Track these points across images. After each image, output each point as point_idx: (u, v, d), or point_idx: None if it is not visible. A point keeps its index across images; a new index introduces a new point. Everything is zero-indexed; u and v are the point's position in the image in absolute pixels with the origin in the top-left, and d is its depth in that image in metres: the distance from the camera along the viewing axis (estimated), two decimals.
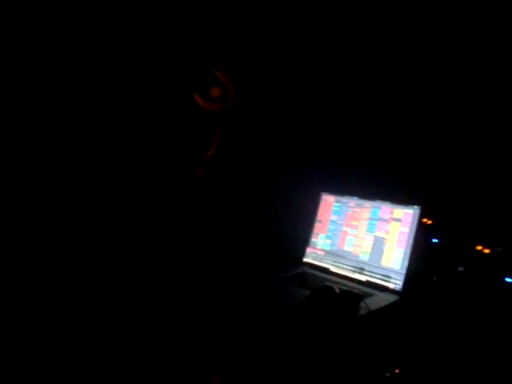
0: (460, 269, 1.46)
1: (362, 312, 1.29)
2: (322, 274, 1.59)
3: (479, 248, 1.54)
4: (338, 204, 1.68)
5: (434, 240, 1.59)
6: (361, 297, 1.34)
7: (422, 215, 1.44)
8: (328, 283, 1.41)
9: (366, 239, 1.55)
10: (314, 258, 1.69)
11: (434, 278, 1.44)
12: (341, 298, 1.30)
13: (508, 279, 1.35)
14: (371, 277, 1.49)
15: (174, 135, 0.76)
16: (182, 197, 0.81)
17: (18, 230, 0.62)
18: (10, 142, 1.00)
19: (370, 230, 1.55)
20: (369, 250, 1.53)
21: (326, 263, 1.63)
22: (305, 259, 1.71)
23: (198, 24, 0.77)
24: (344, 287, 1.40)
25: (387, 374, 1.20)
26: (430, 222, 1.59)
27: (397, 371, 1.16)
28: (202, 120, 0.76)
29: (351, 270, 1.55)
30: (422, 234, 1.45)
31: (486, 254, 1.51)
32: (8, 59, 1.13)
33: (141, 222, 0.64)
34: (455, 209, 1.64)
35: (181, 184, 0.81)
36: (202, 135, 0.78)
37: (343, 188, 1.69)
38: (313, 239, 1.72)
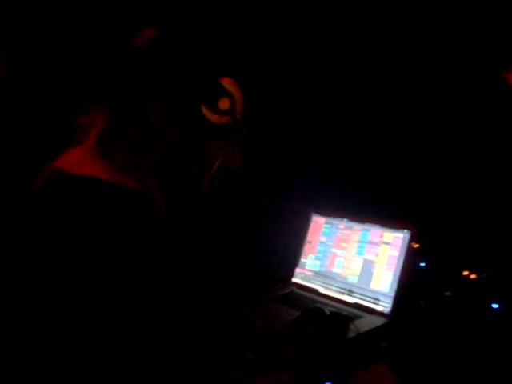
0: (447, 293, 1.49)
1: (352, 334, 1.30)
2: (311, 295, 1.60)
3: (466, 273, 1.57)
4: (328, 225, 1.70)
5: (422, 264, 1.62)
6: (350, 319, 1.35)
7: (411, 239, 1.46)
8: (318, 304, 1.42)
9: (355, 261, 1.57)
10: (302, 279, 1.69)
11: (422, 302, 1.46)
12: (331, 319, 1.31)
13: (494, 305, 1.37)
14: (360, 299, 1.50)
15: (179, 148, 0.74)
16: (187, 211, 0.81)
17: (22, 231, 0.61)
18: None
19: (360, 252, 1.57)
20: (358, 272, 1.54)
21: (315, 284, 1.64)
22: (293, 279, 1.72)
23: (202, 30, 0.74)
24: (333, 309, 1.41)
25: None
26: (419, 247, 1.61)
27: None
28: (209, 133, 0.74)
29: (340, 292, 1.56)
30: (411, 258, 1.47)
31: (473, 279, 1.54)
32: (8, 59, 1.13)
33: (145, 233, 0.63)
34: (444, 234, 1.67)
35: (188, 197, 0.79)
36: (209, 148, 0.76)
37: (333, 210, 1.71)
38: (302, 259, 1.73)
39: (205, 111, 0.72)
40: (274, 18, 1.66)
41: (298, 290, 1.66)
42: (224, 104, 0.73)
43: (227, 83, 0.74)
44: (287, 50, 1.69)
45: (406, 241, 1.46)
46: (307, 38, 1.74)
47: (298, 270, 1.72)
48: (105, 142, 0.71)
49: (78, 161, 0.67)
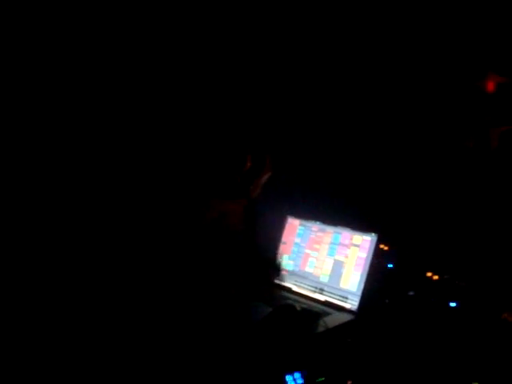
0: (410, 293, 1.59)
1: (320, 329, 1.39)
2: (284, 293, 1.69)
3: (429, 275, 1.68)
4: (302, 227, 1.79)
5: (389, 265, 1.73)
6: (319, 315, 1.45)
7: (378, 242, 1.56)
8: (290, 301, 1.51)
9: (326, 262, 1.66)
10: (277, 277, 1.78)
11: (387, 301, 1.56)
12: (301, 315, 1.41)
13: (452, 304, 1.49)
14: (330, 297, 1.60)
15: None
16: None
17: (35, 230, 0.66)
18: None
19: (331, 253, 1.66)
20: (329, 272, 1.64)
21: (289, 283, 1.73)
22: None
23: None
24: (305, 306, 1.51)
25: None
26: (385, 249, 1.72)
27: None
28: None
29: (312, 290, 1.66)
30: (377, 260, 1.57)
31: (435, 280, 1.66)
32: (10, 59, 1.18)
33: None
34: (409, 238, 1.78)
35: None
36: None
37: (308, 213, 1.80)
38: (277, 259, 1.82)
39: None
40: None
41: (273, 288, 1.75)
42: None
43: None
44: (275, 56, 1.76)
45: (374, 243, 1.57)
46: (301, 45, 1.81)
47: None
48: None
49: None
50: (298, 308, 1.40)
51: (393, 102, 1.91)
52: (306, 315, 1.42)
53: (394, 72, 1.89)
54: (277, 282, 1.77)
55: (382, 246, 1.79)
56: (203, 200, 0.85)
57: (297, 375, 1.18)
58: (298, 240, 1.79)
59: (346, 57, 1.82)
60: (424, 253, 1.77)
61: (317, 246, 1.72)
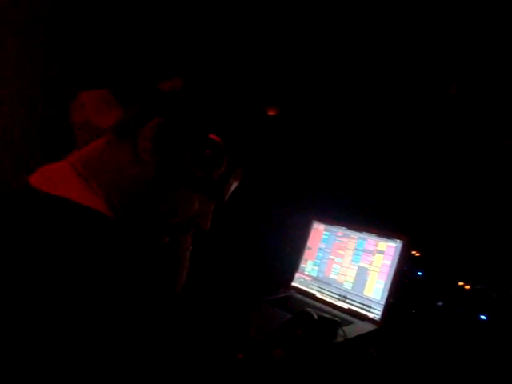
0: (439, 303, 1.52)
1: (339, 339, 1.35)
2: (307, 299, 1.65)
3: (460, 284, 1.59)
4: (328, 233, 1.75)
5: (418, 273, 1.65)
6: (338, 324, 1.40)
7: (403, 249, 1.50)
8: (308, 309, 1.47)
9: (350, 268, 1.61)
10: (301, 283, 1.75)
11: (413, 311, 1.50)
12: (319, 324, 1.36)
13: (482, 317, 1.40)
14: (353, 305, 1.54)
15: (154, 186, 0.76)
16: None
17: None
18: None
19: (355, 260, 1.61)
20: (352, 279, 1.59)
21: (312, 289, 1.70)
22: (293, 283, 1.77)
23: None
24: (324, 314, 1.47)
25: None
26: (412, 256, 1.65)
27: None
28: (187, 183, 0.77)
29: (335, 298, 1.61)
30: (403, 268, 1.51)
31: (466, 290, 1.57)
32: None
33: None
34: (439, 244, 1.70)
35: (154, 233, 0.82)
36: (182, 197, 0.77)
37: (333, 218, 1.76)
38: (302, 265, 1.78)
39: (189, 160, 0.75)
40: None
41: (296, 294, 1.71)
42: (207, 160, 0.76)
43: (217, 141, 0.76)
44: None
45: (399, 250, 1.50)
46: (303, 48, 1.79)
47: (297, 275, 1.78)
48: (90, 164, 0.73)
49: (57, 180, 0.70)
50: (316, 316, 1.36)
51: (425, 101, 1.83)
52: (324, 324, 1.37)
53: (427, 69, 1.81)
54: (300, 287, 1.73)
55: (412, 252, 1.72)
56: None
57: None
58: (322, 245, 1.75)
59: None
60: (457, 259, 1.69)
61: (341, 252, 1.67)
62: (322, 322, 1.38)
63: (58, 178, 0.70)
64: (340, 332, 1.37)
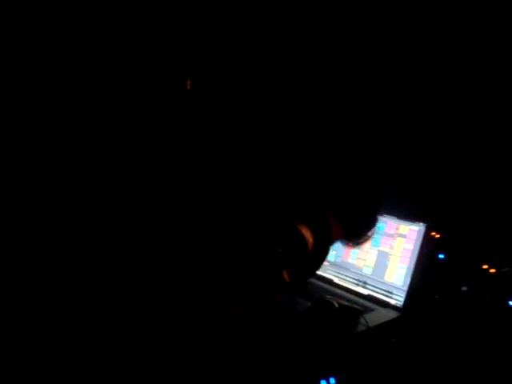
0: (463, 288, 1.45)
1: (361, 328, 1.29)
2: (325, 285, 1.60)
3: (485, 267, 1.52)
4: None
5: (440, 256, 1.58)
6: (360, 312, 1.34)
7: (426, 233, 1.43)
8: (328, 297, 1.41)
9: (370, 253, 1.55)
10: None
11: (436, 297, 1.43)
12: (340, 313, 1.31)
13: (511, 302, 1.34)
14: (373, 291, 1.49)
15: None
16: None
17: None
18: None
19: (375, 244, 1.55)
20: (372, 264, 1.53)
21: (330, 274, 1.64)
22: None
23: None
24: (345, 302, 1.40)
25: None
26: (435, 239, 1.58)
27: None
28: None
29: (354, 283, 1.55)
30: (425, 252, 1.44)
31: (492, 273, 1.50)
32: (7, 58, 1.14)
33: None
34: (462, 226, 1.63)
35: None
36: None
37: None
38: None
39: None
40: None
41: (313, 280, 1.65)
42: None
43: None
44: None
45: (422, 234, 1.43)
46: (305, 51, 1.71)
47: None
48: None
49: None
50: (336, 305, 1.30)
51: (449, 95, 1.74)
52: (345, 313, 1.31)
53: (455, 67, 1.71)
54: (318, 272, 1.67)
55: (433, 234, 1.65)
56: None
57: (332, 381, 1.09)
58: None
59: None
60: (480, 242, 1.61)
61: None
62: (344, 311, 1.32)
63: None
64: (362, 320, 1.31)
